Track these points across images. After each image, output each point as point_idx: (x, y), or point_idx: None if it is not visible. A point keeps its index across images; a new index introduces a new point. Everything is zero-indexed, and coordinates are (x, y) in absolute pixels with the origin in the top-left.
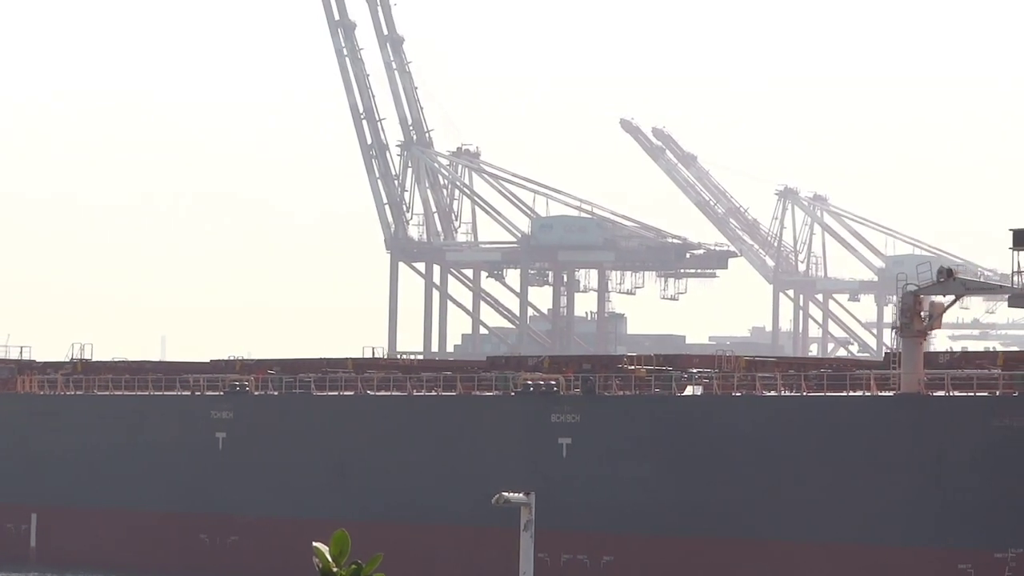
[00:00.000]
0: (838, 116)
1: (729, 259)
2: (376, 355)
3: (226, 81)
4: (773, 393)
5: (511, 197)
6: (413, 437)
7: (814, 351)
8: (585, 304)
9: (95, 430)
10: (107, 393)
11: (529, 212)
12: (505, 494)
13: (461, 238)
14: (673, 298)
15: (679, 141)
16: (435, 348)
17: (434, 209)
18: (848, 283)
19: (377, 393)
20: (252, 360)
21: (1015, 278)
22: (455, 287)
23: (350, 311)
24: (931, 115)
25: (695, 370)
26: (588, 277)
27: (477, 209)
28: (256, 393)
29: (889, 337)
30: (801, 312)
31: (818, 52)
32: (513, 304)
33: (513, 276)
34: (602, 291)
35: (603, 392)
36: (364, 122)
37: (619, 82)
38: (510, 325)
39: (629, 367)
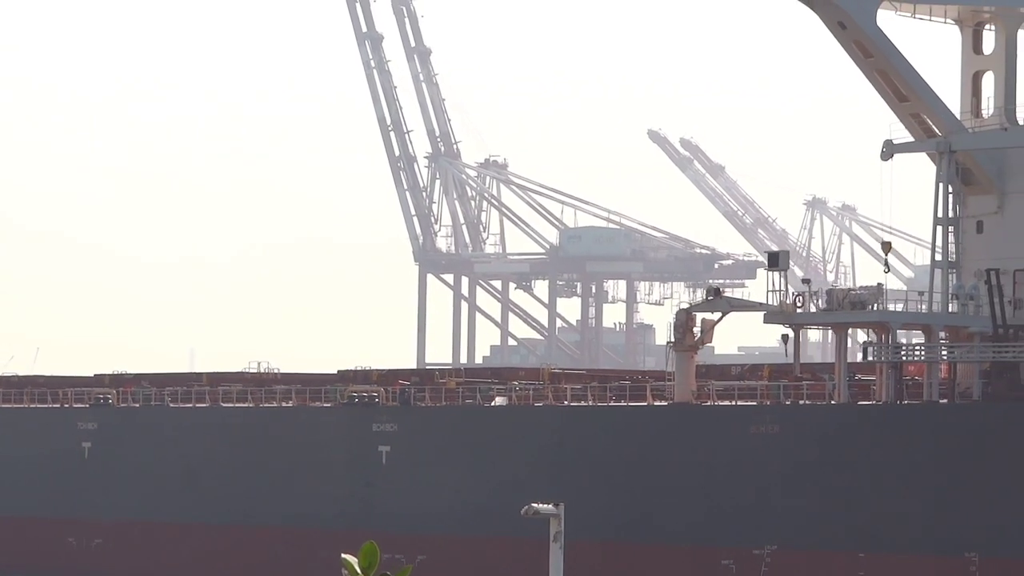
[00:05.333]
0: (866, 125)
1: (757, 269)
2: (262, 370)
3: (253, 92)
4: (566, 403)
5: (539, 208)
6: (254, 446)
7: None
8: (614, 315)
9: None
10: None
11: (557, 223)
12: (535, 505)
13: (489, 249)
14: None
15: (707, 151)
16: (464, 359)
17: (462, 221)
18: None
19: (226, 405)
20: (130, 374)
21: (769, 296)
22: (483, 298)
23: (379, 323)
24: None
25: (516, 383)
26: (617, 288)
27: (505, 220)
28: (119, 406)
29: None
30: None
31: (843, 63)
32: (542, 315)
33: (541, 287)
34: (631, 302)
35: (418, 403)
36: (392, 134)
37: (647, 93)
38: (539, 336)
39: (440, 380)
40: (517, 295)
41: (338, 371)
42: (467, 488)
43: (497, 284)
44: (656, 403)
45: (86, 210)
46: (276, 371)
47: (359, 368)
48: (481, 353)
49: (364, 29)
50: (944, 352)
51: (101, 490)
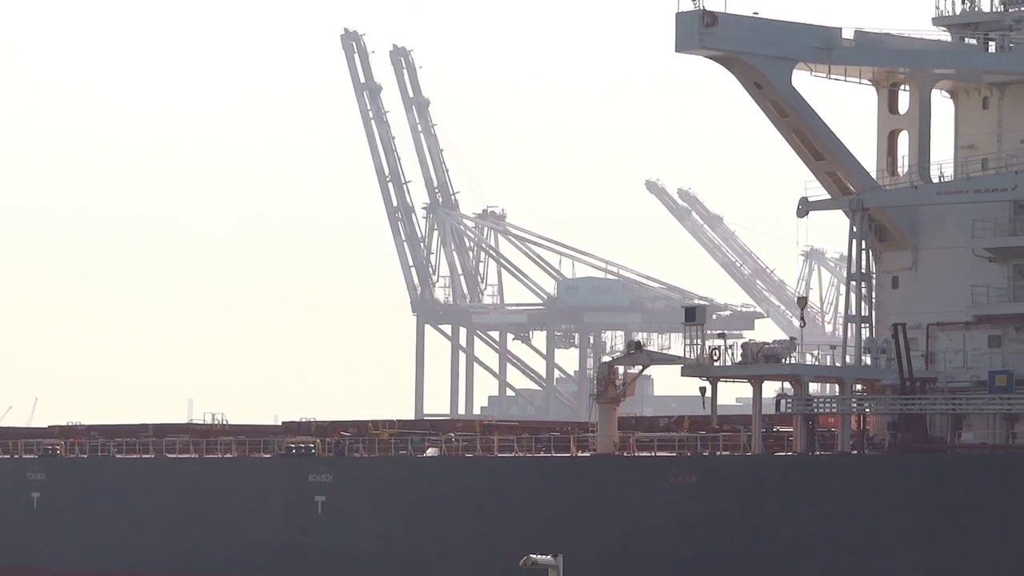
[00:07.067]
0: None
1: (756, 320)
2: (213, 420)
3: (252, 142)
4: (495, 455)
5: (537, 259)
6: (196, 496)
7: None
8: None
9: None
10: None
11: (555, 274)
12: (534, 556)
13: (487, 300)
14: None
15: (704, 202)
16: (462, 410)
17: (460, 271)
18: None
19: (171, 456)
20: (82, 426)
21: (687, 351)
22: (481, 349)
23: (377, 373)
24: None
25: (452, 433)
26: (615, 338)
27: (503, 271)
28: (67, 456)
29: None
30: None
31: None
32: (540, 366)
33: (539, 338)
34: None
35: (353, 454)
36: (390, 184)
37: (645, 143)
38: (537, 387)
39: (374, 431)
40: (515, 346)
41: (282, 422)
42: (399, 537)
43: (495, 335)
44: (579, 454)
45: (87, 250)
46: (224, 423)
47: (302, 419)
48: (479, 404)
49: (363, 80)
50: (853, 404)
51: (50, 539)
